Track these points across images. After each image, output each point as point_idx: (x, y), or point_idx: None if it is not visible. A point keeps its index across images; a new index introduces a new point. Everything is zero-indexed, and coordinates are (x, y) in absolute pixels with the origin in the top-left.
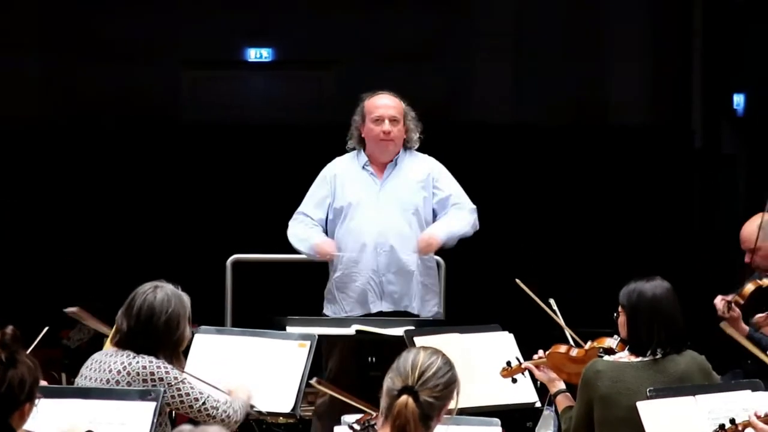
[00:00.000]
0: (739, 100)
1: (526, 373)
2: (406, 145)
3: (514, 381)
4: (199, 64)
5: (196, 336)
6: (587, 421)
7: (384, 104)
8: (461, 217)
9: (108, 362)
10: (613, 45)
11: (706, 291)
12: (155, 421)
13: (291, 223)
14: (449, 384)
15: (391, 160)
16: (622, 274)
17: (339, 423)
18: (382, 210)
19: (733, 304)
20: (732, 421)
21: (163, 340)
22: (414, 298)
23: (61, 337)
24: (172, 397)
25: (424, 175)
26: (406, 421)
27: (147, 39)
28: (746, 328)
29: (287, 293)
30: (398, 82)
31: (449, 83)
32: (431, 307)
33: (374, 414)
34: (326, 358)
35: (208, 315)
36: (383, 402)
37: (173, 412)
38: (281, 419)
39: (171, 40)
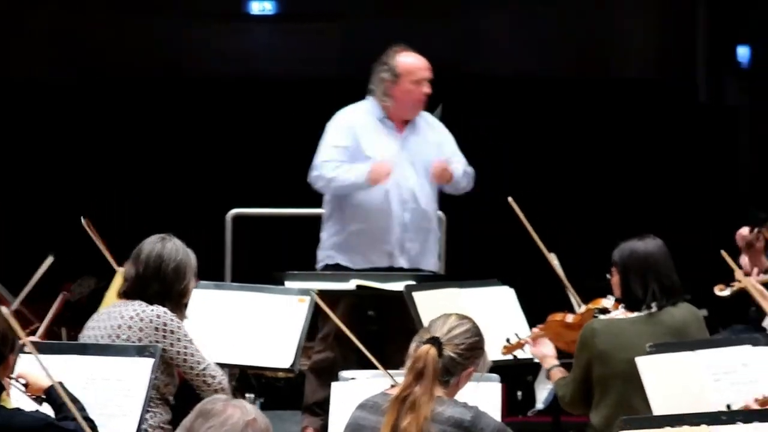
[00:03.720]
0: (743, 52)
1: (526, 328)
2: None
3: (515, 358)
4: (202, 17)
5: (195, 291)
6: (586, 381)
7: (424, 66)
8: (469, 171)
9: (119, 310)
10: None
11: (709, 245)
12: (152, 377)
13: (324, 171)
14: (474, 347)
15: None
16: (626, 227)
17: (336, 379)
18: (405, 167)
19: (761, 235)
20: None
21: (172, 287)
22: (430, 255)
23: (64, 289)
24: (178, 352)
25: (437, 136)
26: (425, 365)
27: None
28: (766, 261)
29: (287, 248)
30: (401, 35)
31: (453, 37)
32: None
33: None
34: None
35: (208, 270)
36: (408, 361)
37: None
38: (280, 374)
39: None
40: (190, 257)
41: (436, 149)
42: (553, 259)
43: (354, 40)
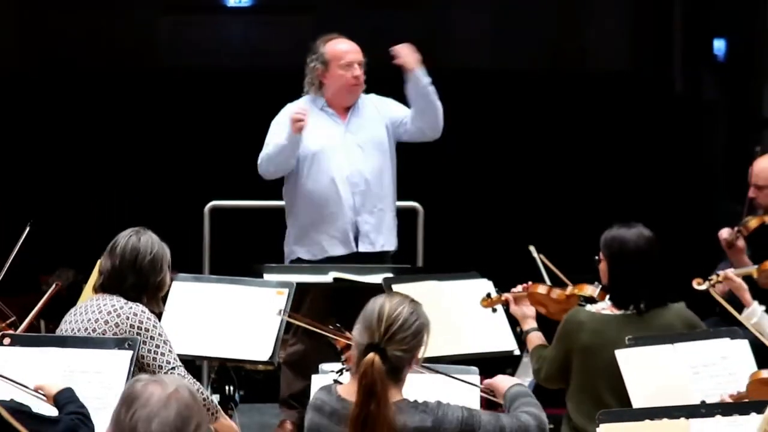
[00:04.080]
0: (719, 45)
1: (505, 320)
2: None
3: (494, 311)
4: (177, 9)
5: (174, 283)
6: (563, 367)
7: (352, 49)
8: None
9: (96, 304)
10: None
11: (686, 238)
12: (131, 369)
13: (260, 159)
14: (418, 333)
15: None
16: (603, 220)
17: (316, 372)
18: (351, 150)
19: (739, 234)
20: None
21: (148, 280)
22: (389, 235)
23: (41, 282)
24: (148, 351)
25: (375, 110)
26: (373, 380)
27: None
28: (748, 261)
29: (265, 240)
30: (376, 27)
31: (426, 28)
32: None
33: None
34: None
35: (186, 262)
36: (353, 352)
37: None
38: (260, 367)
39: None
40: (165, 250)
41: (380, 124)
42: (533, 251)
43: (328, 31)
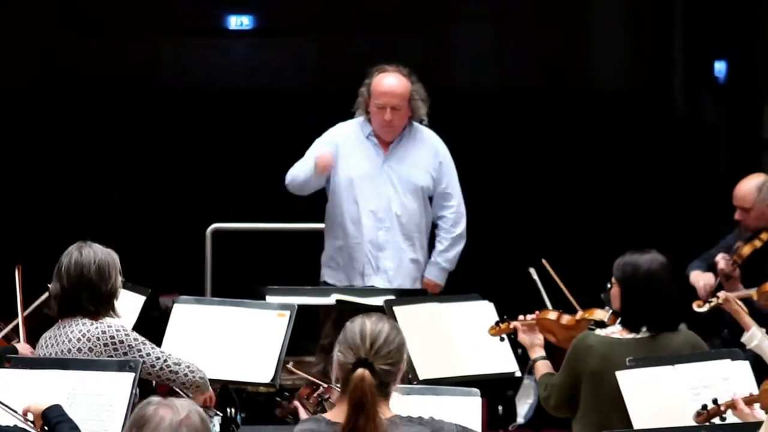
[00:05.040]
0: (720, 67)
1: (506, 343)
2: (412, 120)
3: (502, 339)
4: (179, 32)
5: (176, 306)
6: (571, 392)
7: (388, 90)
8: (454, 253)
9: (64, 332)
10: (594, 11)
11: (688, 258)
12: (133, 392)
13: (290, 172)
14: (400, 347)
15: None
16: (604, 241)
17: None
18: (384, 185)
19: (734, 265)
20: (715, 401)
21: (99, 290)
22: (406, 277)
23: (41, 306)
24: (134, 359)
25: (430, 157)
26: (364, 394)
27: (127, 6)
28: (742, 287)
29: (267, 262)
30: (378, 49)
31: (429, 51)
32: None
33: (326, 386)
34: (322, 325)
35: (188, 284)
36: (337, 374)
37: (153, 381)
38: (261, 389)
39: (152, 7)
40: (111, 256)
41: (422, 171)
42: (533, 274)
43: (331, 53)
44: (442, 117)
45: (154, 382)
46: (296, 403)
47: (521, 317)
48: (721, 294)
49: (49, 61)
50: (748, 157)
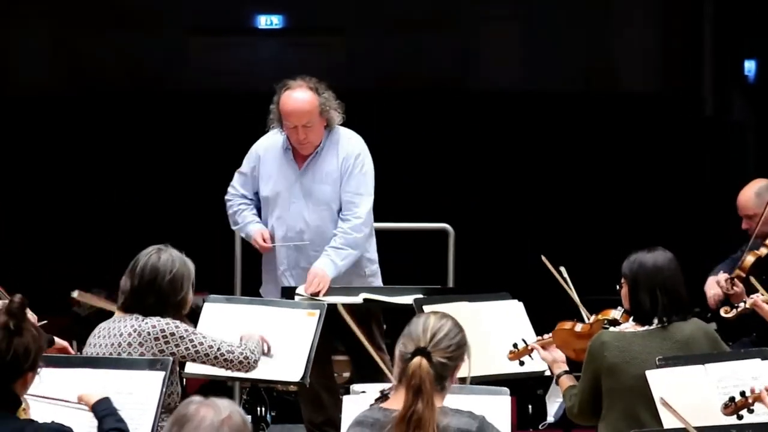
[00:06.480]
0: (750, 66)
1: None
2: (329, 128)
3: (522, 363)
4: (209, 32)
5: (206, 305)
6: (594, 393)
7: (295, 110)
8: (346, 254)
9: (117, 327)
10: (623, 11)
11: (717, 260)
12: (164, 390)
13: (228, 198)
14: (461, 345)
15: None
16: (633, 242)
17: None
18: (297, 204)
19: (735, 280)
20: (742, 393)
21: (168, 300)
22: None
23: (71, 304)
24: (187, 349)
25: (337, 167)
26: (422, 381)
27: (156, 6)
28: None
29: None
30: (406, 49)
31: (457, 51)
32: None
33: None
34: None
35: (218, 283)
36: (396, 368)
37: (184, 379)
38: (291, 387)
39: (181, 6)
40: (187, 267)
41: (332, 184)
42: (563, 272)
43: (360, 53)
44: (471, 118)
45: (184, 380)
46: None
47: (538, 337)
48: (750, 299)
49: (77, 62)
50: None
